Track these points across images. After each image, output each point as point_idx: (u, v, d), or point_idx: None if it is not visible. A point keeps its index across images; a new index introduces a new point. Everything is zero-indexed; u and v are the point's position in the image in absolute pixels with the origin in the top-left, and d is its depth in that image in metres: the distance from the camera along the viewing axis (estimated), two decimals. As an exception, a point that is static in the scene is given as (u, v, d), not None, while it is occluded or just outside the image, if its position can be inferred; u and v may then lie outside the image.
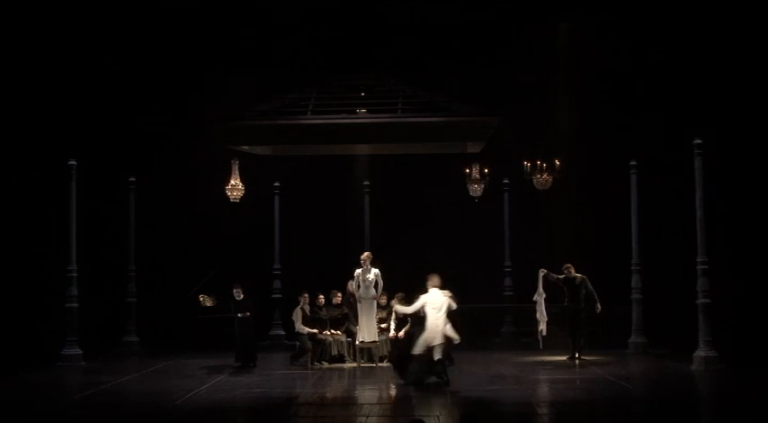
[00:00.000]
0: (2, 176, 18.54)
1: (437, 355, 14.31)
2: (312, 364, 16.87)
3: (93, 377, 15.65)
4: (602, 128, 19.90)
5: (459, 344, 17.49)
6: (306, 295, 17.09)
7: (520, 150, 19.33)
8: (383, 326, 16.97)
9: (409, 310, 14.91)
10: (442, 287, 14.76)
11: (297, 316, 16.97)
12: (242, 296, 16.89)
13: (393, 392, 14.23)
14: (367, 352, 16.86)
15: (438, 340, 14.33)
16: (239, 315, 16.77)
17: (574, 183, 19.94)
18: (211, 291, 19.48)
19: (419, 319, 16.68)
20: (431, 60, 19.90)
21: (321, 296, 17.36)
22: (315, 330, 16.93)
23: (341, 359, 17.11)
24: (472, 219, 20.57)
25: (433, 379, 14.39)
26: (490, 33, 20.11)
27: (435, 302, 14.53)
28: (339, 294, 17.40)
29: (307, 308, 17.03)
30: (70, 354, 17.18)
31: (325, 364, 16.92)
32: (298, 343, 17.12)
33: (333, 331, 17.16)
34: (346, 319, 17.31)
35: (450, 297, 14.60)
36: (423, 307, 14.59)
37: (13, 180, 18.70)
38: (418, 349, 14.42)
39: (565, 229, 20.29)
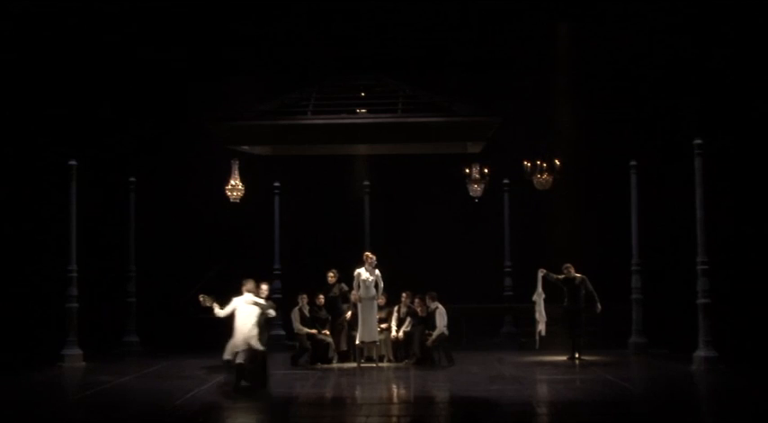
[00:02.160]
0: (2, 176, 18.55)
1: (239, 360, 13.89)
2: (312, 364, 16.88)
3: (93, 377, 15.64)
4: (602, 128, 19.91)
5: (459, 344, 17.61)
6: (304, 296, 17.09)
7: (520, 150, 19.34)
8: (383, 326, 17.04)
9: (221, 312, 14.29)
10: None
11: (295, 316, 16.99)
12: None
13: (393, 392, 14.24)
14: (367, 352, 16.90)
15: (241, 346, 13.94)
16: None
17: (574, 183, 19.93)
18: (211, 291, 19.50)
19: (420, 319, 16.79)
20: (431, 60, 19.90)
21: (321, 296, 17.36)
22: (314, 331, 16.93)
23: (342, 358, 17.11)
24: (472, 219, 20.58)
25: (243, 383, 13.88)
26: (490, 33, 20.12)
27: (244, 308, 14.18)
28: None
29: (306, 309, 17.02)
30: (70, 354, 17.17)
31: (326, 365, 16.92)
32: (297, 343, 17.15)
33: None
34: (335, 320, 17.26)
35: (265, 305, 14.35)
36: (234, 311, 14.17)
37: (14, 180, 18.70)
38: (227, 355, 14.10)
39: (565, 229, 20.29)
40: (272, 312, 14.67)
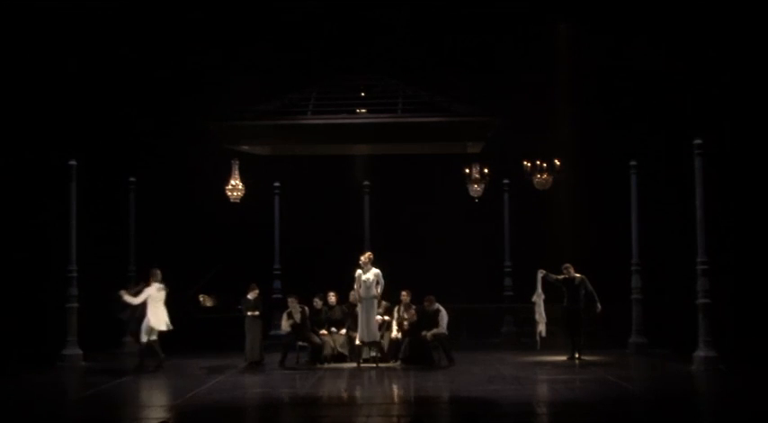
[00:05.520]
0: (2, 176, 18.54)
1: (153, 337, 16.31)
2: (312, 364, 16.91)
3: (93, 377, 15.65)
4: (602, 128, 19.91)
5: (459, 344, 17.63)
6: (294, 299, 17.04)
7: (520, 150, 19.33)
8: (378, 318, 17.01)
9: (136, 300, 16.28)
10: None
11: (283, 318, 17.06)
12: (256, 296, 17.01)
13: (393, 392, 14.24)
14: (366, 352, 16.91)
15: (163, 327, 16.30)
16: (249, 313, 16.83)
17: (574, 183, 19.94)
18: (211, 291, 19.53)
19: (414, 324, 16.83)
20: (431, 60, 19.91)
21: (317, 299, 17.35)
22: (292, 320, 16.82)
23: (341, 359, 17.14)
24: (472, 219, 20.58)
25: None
26: (490, 33, 20.12)
27: (156, 295, 16.29)
28: (332, 294, 17.45)
29: (296, 313, 16.95)
30: (70, 354, 17.19)
31: (325, 364, 16.93)
32: (282, 341, 17.25)
33: (335, 329, 17.23)
34: (346, 319, 17.31)
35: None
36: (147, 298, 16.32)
37: (13, 180, 18.70)
38: (145, 337, 16.28)
39: (565, 229, 20.29)
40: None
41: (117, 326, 19.42)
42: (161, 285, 16.44)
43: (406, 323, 16.87)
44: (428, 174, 20.43)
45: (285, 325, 16.99)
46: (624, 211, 18.64)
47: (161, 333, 16.43)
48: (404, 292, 17.18)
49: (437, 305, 16.88)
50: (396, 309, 17.27)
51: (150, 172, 20.09)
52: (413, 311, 16.90)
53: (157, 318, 16.29)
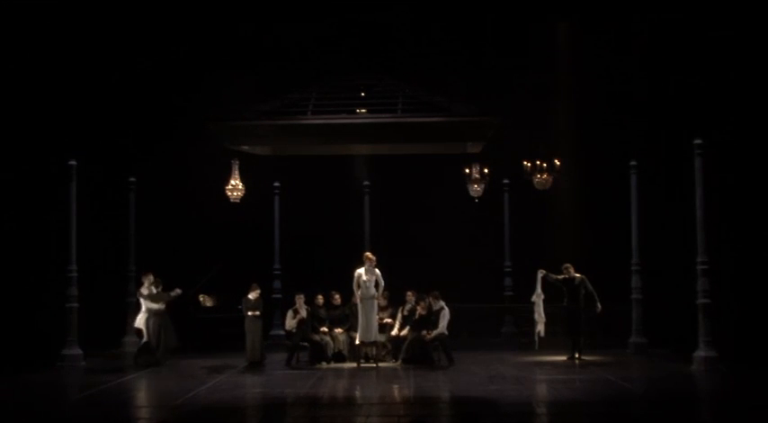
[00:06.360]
0: (2, 176, 18.53)
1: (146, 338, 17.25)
2: (312, 364, 16.91)
3: (93, 377, 15.66)
4: (602, 128, 19.90)
5: (459, 344, 17.65)
6: (301, 296, 17.08)
7: (520, 150, 19.33)
8: (386, 321, 17.11)
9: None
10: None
11: (288, 316, 17.06)
12: (257, 296, 17.03)
13: (393, 392, 14.23)
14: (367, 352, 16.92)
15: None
16: (249, 313, 16.83)
17: (574, 183, 19.93)
18: (211, 291, 19.51)
19: (418, 322, 16.83)
20: (431, 60, 19.90)
21: (320, 296, 17.44)
22: (299, 316, 16.86)
23: (341, 359, 17.15)
24: (472, 219, 20.58)
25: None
26: (490, 33, 20.12)
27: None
28: (337, 296, 17.54)
29: (302, 310, 16.98)
30: (70, 354, 17.18)
31: (325, 364, 16.94)
32: (289, 343, 17.23)
33: (336, 329, 17.26)
34: (347, 319, 17.37)
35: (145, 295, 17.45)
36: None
37: (13, 180, 18.68)
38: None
39: (565, 228, 20.29)
40: (148, 304, 17.38)
41: (117, 326, 19.56)
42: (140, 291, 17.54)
43: (419, 313, 16.88)
44: (428, 174, 20.41)
45: (292, 323, 17.00)
46: (624, 211, 18.64)
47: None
48: (409, 293, 17.26)
49: (441, 303, 16.90)
50: (399, 308, 17.34)
51: (150, 172, 20.08)
52: (423, 304, 16.94)
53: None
